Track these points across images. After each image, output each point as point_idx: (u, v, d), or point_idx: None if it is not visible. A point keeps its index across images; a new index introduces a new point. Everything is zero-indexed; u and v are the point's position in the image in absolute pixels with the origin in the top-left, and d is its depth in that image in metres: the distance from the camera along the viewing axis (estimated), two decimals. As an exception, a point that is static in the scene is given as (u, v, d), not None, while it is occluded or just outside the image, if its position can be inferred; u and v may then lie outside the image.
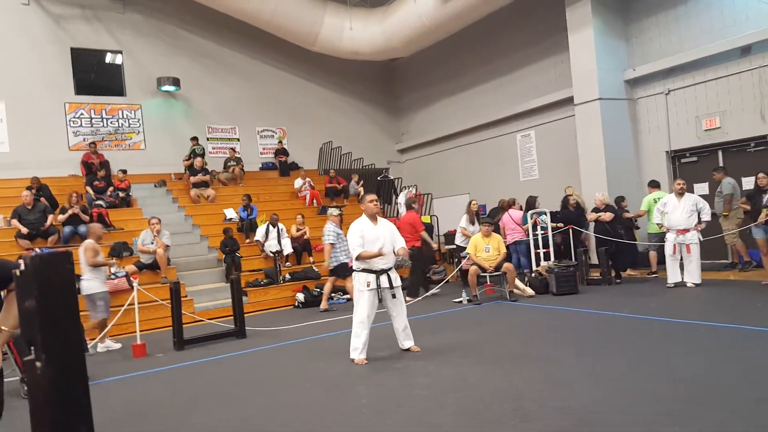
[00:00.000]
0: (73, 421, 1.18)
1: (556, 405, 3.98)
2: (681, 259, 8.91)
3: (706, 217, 8.84)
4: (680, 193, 8.95)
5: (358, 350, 5.85)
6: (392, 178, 16.90)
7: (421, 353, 5.94)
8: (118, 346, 8.02)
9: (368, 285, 5.80)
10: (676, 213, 8.90)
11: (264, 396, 4.97)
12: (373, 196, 6.10)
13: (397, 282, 5.97)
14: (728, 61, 10.35)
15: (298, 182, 15.24)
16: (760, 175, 8.65)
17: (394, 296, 5.95)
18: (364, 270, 5.84)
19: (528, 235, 10.65)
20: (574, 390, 4.28)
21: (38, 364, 1.21)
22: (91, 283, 7.80)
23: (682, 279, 8.86)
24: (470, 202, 10.78)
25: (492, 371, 5.04)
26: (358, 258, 5.82)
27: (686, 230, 8.80)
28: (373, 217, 6.01)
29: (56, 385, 1.17)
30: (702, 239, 8.87)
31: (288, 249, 11.82)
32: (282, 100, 16.90)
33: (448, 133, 16.53)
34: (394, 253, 6.00)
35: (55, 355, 1.19)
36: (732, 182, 9.70)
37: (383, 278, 5.83)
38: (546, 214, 10.52)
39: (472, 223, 10.48)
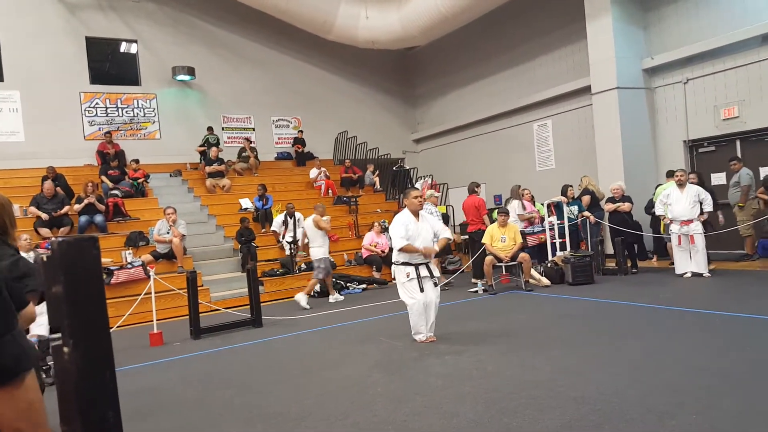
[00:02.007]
0: (101, 406, 1.19)
1: (571, 394, 3.97)
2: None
3: (708, 207, 8.80)
4: (681, 184, 8.88)
5: (420, 332, 6.01)
6: (408, 168, 16.87)
7: (437, 342, 5.95)
8: (341, 298, 10.00)
9: (408, 276, 5.96)
10: (679, 204, 8.84)
11: (281, 384, 5.01)
12: (418, 192, 6.22)
13: (435, 272, 6.15)
14: (748, 49, 10.18)
15: (313, 172, 15.25)
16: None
17: (435, 284, 6.12)
18: (404, 263, 5.99)
19: (544, 224, 10.58)
20: (589, 379, 4.27)
21: (65, 349, 1.22)
22: (319, 250, 9.53)
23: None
24: (519, 187, 10.70)
25: (508, 360, 5.03)
26: (401, 250, 5.92)
27: (690, 221, 8.73)
28: (415, 213, 6.10)
29: (84, 371, 1.18)
30: (705, 230, 8.80)
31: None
32: (297, 90, 16.89)
33: (464, 122, 16.45)
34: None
35: (83, 341, 1.20)
36: (750, 173, 9.58)
37: (422, 269, 6.00)
38: (566, 203, 10.42)
39: (524, 208, 10.47)
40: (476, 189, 10.49)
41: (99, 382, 1.21)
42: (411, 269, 5.97)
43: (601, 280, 9.47)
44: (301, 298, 9.29)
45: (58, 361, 1.26)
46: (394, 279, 6.31)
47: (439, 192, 14.84)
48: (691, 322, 5.99)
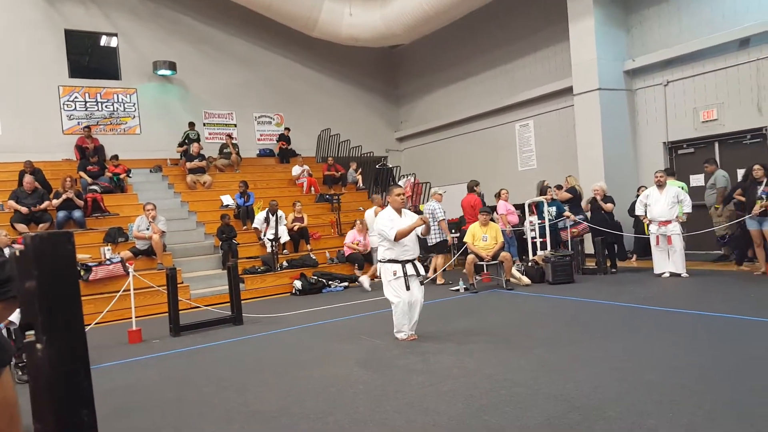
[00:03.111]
0: (75, 404, 1.16)
1: (550, 392, 4.00)
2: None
3: (687, 209, 8.92)
4: (660, 185, 9.00)
5: (403, 331, 6.02)
6: (390, 166, 16.86)
7: (419, 341, 5.96)
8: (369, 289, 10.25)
9: (395, 274, 5.94)
10: (658, 205, 8.98)
11: (260, 381, 4.98)
12: (401, 190, 6.23)
13: (422, 271, 6.16)
14: (727, 53, 10.34)
15: (295, 170, 15.17)
16: (756, 167, 8.66)
17: (421, 283, 6.14)
18: (390, 261, 5.98)
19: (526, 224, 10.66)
20: (568, 377, 4.30)
21: (39, 346, 1.19)
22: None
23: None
24: (544, 182, 10.69)
25: (488, 359, 5.06)
26: (396, 238, 5.87)
27: (668, 222, 8.86)
28: (398, 210, 6.12)
29: (58, 368, 1.15)
30: (683, 231, 8.94)
31: (285, 237, 11.79)
32: (280, 86, 16.80)
33: (447, 121, 16.51)
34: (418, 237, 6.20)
35: (57, 337, 1.17)
36: (726, 175, 9.73)
37: (409, 266, 5.99)
38: (546, 203, 10.49)
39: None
40: (475, 188, 10.63)
41: (73, 380, 1.19)
42: (398, 267, 5.96)
43: (581, 279, 9.56)
44: (365, 280, 10.34)
45: (31, 358, 1.23)
46: (379, 277, 6.30)
47: (421, 192, 14.83)
48: (669, 321, 6.07)
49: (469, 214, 10.60)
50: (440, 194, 10.94)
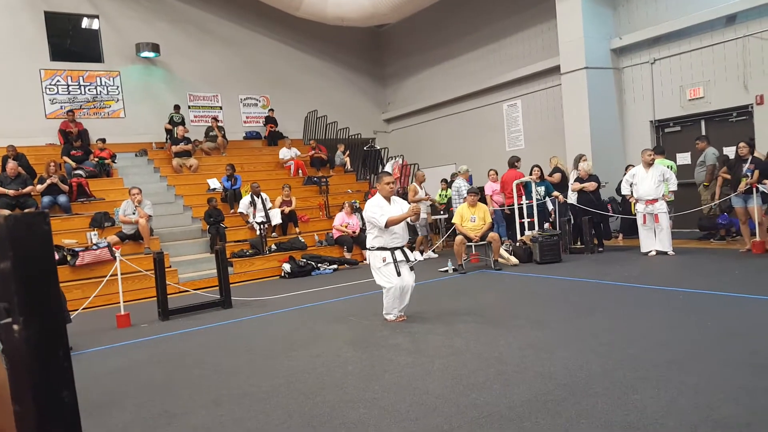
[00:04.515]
0: (54, 385, 1.14)
1: (538, 370, 4.03)
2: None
3: (673, 186, 9.01)
4: (649, 164, 9.04)
5: (392, 313, 6.03)
6: (378, 148, 16.79)
7: (407, 321, 5.98)
8: (435, 255, 11.23)
9: (384, 261, 5.92)
10: (645, 183, 9.02)
11: (250, 364, 4.98)
12: (391, 178, 6.18)
13: (411, 257, 6.13)
14: (713, 30, 10.34)
15: (283, 152, 15.05)
16: (741, 144, 8.72)
17: (411, 269, 6.08)
18: (379, 248, 5.94)
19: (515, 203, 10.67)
20: (556, 355, 4.34)
21: (15, 327, 1.16)
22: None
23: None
24: (580, 157, 10.58)
25: (477, 338, 5.09)
26: (386, 226, 5.82)
27: (655, 200, 8.91)
28: (387, 198, 6.08)
29: (35, 348, 1.13)
30: (669, 210, 9.01)
31: (276, 219, 11.74)
32: (266, 67, 16.61)
33: (434, 102, 16.43)
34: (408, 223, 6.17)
35: (34, 318, 1.14)
36: (716, 153, 9.78)
37: (398, 253, 5.96)
38: (532, 184, 10.51)
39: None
40: (516, 163, 10.62)
41: (52, 361, 1.17)
42: (387, 254, 5.93)
43: (569, 258, 9.62)
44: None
45: (8, 339, 1.21)
46: (366, 260, 6.29)
47: (409, 173, 14.79)
48: (655, 299, 6.13)
49: (512, 191, 10.39)
50: (466, 173, 11.30)
